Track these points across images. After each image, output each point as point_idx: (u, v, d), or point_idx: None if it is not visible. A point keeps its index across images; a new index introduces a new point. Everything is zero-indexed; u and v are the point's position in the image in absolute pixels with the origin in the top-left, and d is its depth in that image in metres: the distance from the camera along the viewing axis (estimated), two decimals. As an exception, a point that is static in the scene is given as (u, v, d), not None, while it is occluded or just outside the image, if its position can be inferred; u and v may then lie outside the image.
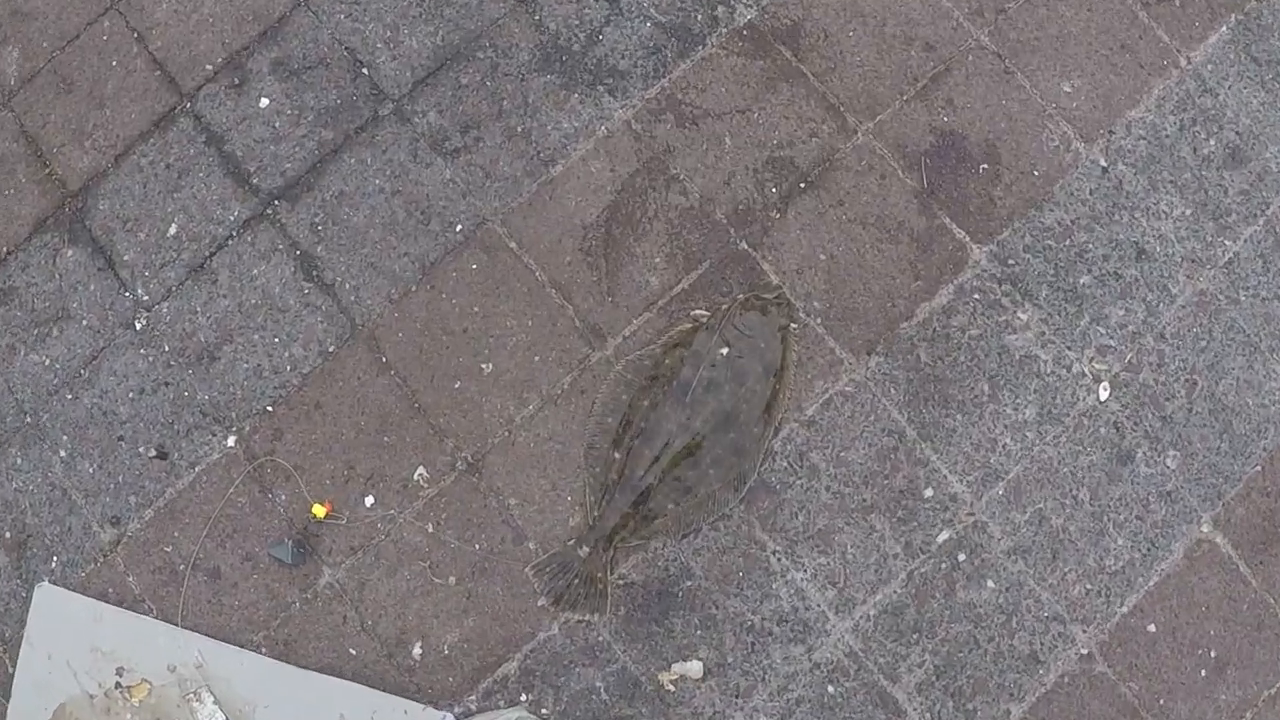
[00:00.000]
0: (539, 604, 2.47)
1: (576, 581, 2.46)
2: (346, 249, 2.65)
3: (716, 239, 2.66)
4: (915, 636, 2.51)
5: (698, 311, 2.59)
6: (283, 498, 2.53)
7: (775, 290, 2.59)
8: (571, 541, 2.48)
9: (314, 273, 2.64)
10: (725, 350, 2.51)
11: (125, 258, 2.67)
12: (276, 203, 2.67)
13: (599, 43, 2.75)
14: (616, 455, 2.48)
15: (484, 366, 2.59)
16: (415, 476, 2.54)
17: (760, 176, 2.68)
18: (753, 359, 2.53)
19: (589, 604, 2.46)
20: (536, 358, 2.59)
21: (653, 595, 2.50)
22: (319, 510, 2.48)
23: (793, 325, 2.58)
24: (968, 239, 2.65)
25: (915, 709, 2.47)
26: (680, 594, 2.50)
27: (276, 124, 2.71)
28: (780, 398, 2.56)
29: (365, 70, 2.74)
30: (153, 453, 2.57)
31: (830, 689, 2.48)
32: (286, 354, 2.61)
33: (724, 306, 2.56)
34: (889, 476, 2.55)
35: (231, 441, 2.57)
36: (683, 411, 2.48)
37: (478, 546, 2.50)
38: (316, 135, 2.70)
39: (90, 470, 2.58)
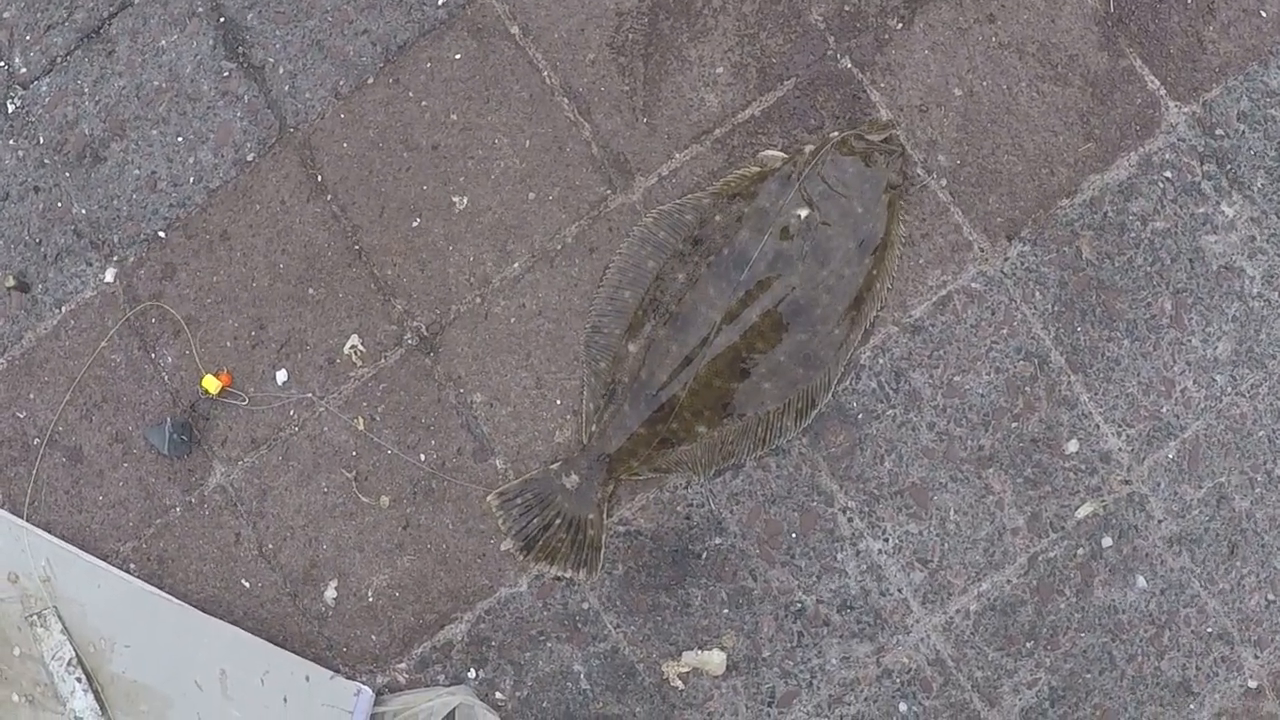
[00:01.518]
0: (502, 547, 1.34)
1: (558, 522, 1.30)
2: (286, 19, 1.44)
3: (808, 49, 1.41)
4: (1029, 646, 1.35)
5: (770, 152, 1.36)
6: (169, 359, 1.40)
7: (886, 131, 1.35)
8: (556, 464, 1.31)
9: (239, 49, 1.44)
10: (805, 212, 1.30)
11: (4, 14, 1.51)
12: (201, -50, 1.48)
13: None
14: (631, 348, 1.30)
15: (456, 200, 1.39)
16: (346, 349, 1.37)
17: (881, -31, 1.44)
18: (844, 228, 1.31)
19: (573, 556, 1.31)
20: (532, 194, 1.38)
21: (664, 553, 1.35)
22: (211, 384, 1.34)
23: (905, 185, 1.36)
24: (1163, 92, 1.41)
25: (1017, 745, 1.34)
26: (704, 555, 1.35)
27: None
28: (877, 288, 1.35)
29: None
30: (10, 282, 1.43)
31: (903, 707, 1.34)
32: (191, 159, 1.43)
33: (809, 148, 1.34)
34: (1019, 418, 1.37)
35: (110, 276, 1.42)
36: (734, 294, 1.28)
37: (423, 457, 1.35)
38: None
39: (-71, 295, 1.47)
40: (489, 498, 1.31)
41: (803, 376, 1.32)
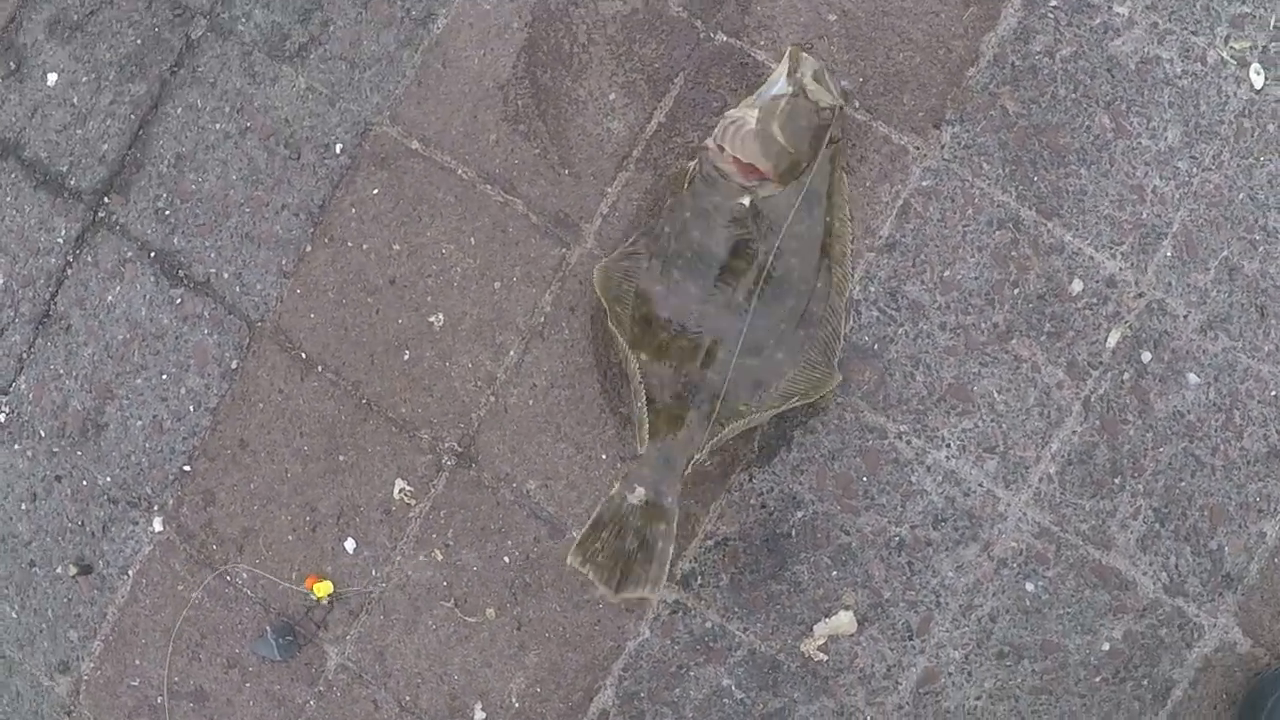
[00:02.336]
0: (599, 595, 1.37)
1: (633, 545, 1.29)
2: (208, 227, 1.49)
3: (682, 40, 1.45)
4: (1118, 481, 1.39)
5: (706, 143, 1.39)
6: (243, 575, 1.46)
7: (818, 94, 1.36)
8: (615, 488, 1.31)
9: (179, 273, 1.49)
10: (746, 199, 1.34)
11: (-42, 334, 1.56)
12: (106, 200, 1.51)
13: None
14: (655, 367, 1.32)
15: (433, 320, 1.44)
16: (396, 494, 1.42)
17: (713, -61, 1.47)
18: (788, 193, 1.34)
19: (651, 574, 1.29)
20: (497, 283, 1.43)
21: (757, 546, 1.39)
22: (321, 588, 1.39)
23: (837, 135, 1.39)
24: (1016, -70, 1.44)
25: (1146, 574, 1.37)
26: (793, 532, 1.39)
27: (74, 99, 1.54)
28: (838, 229, 1.38)
29: (159, -12, 1.55)
30: (73, 569, 1.49)
31: (1029, 586, 1.38)
32: (183, 390, 1.48)
33: (728, 123, 1.36)
34: (1018, 282, 1.40)
35: (159, 525, 1.47)
36: (720, 290, 1.32)
37: (507, 559, 1.41)
38: (126, 95, 1.52)
39: (12, 615, 1.51)
40: (569, 560, 1.32)
41: (807, 336, 1.36)
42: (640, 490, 1.30)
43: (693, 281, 1.34)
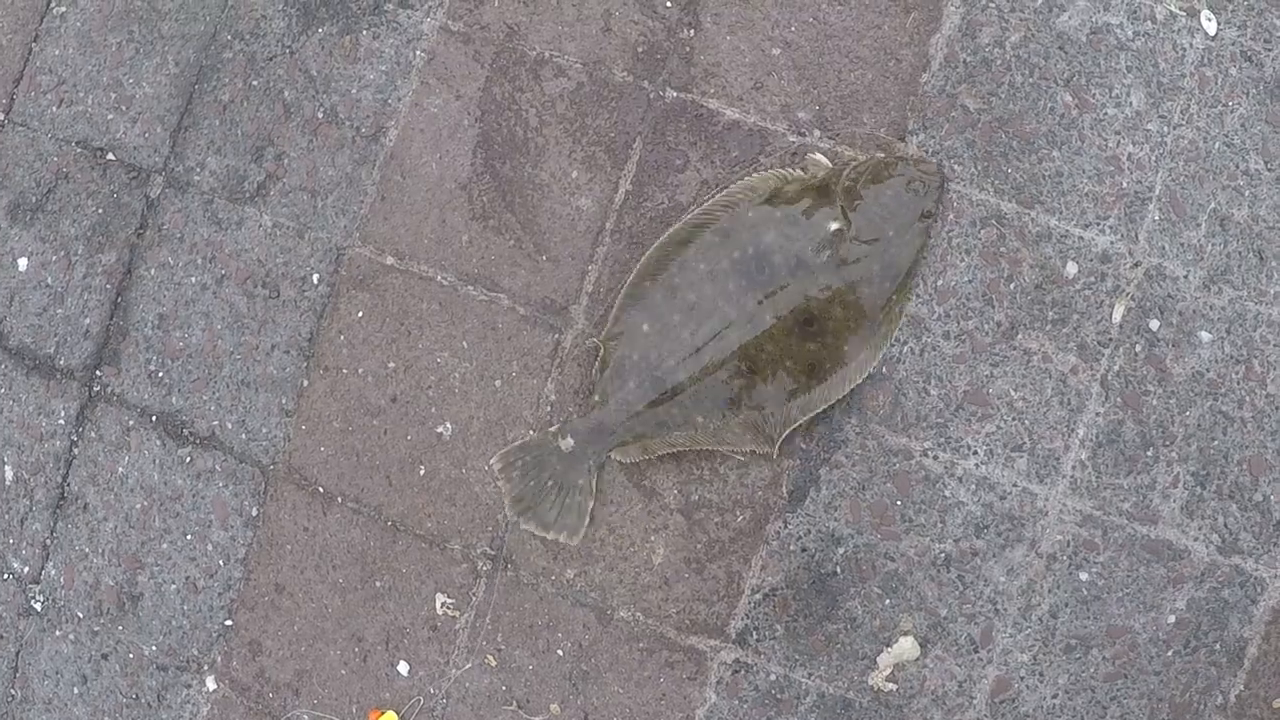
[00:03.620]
0: (504, 506, 1.38)
1: (550, 484, 1.36)
2: (203, 382, 1.49)
3: (633, 105, 1.44)
4: (1151, 454, 1.37)
5: (816, 156, 1.38)
6: (304, 718, 1.45)
7: (926, 163, 1.36)
8: (554, 428, 1.37)
9: (184, 431, 1.49)
10: (835, 225, 1.33)
11: (-21, 530, 1.57)
12: (99, 373, 1.51)
13: (358, -46, 1.52)
14: (645, 328, 1.33)
15: (441, 431, 1.43)
16: (439, 609, 1.41)
17: (643, -2, 1.47)
18: (872, 249, 1.33)
19: (561, 520, 1.36)
20: (498, 381, 1.42)
21: (806, 590, 1.38)
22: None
23: (938, 214, 1.38)
24: (939, -73, 1.43)
25: (1197, 539, 1.36)
26: (839, 569, 1.38)
27: (48, 279, 1.55)
28: (895, 315, 1.37)
29: (111, 155, 1.54)
30: (137, 736, 1.50)
31: (1084, 575, 1.37)
32: (209, 546, 1.48)
33: (853, 165, 1.36)
34: (1012, 278, 1.39)
35: (212, 684, 1.47)
36: (752, 293, 1.32)
37: (560, 652, 1.40)
38: (98, 265, 1.53)
39: (83, 794, 1.52)
40: (491, 461, 1.38)
41: (803, 385, 1.35)
42: (570, 441, 1.36)
43: (735, 277, 1.32)
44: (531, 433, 1.41)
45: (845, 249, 1.34)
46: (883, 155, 1.38)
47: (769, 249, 1.32)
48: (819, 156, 1.40)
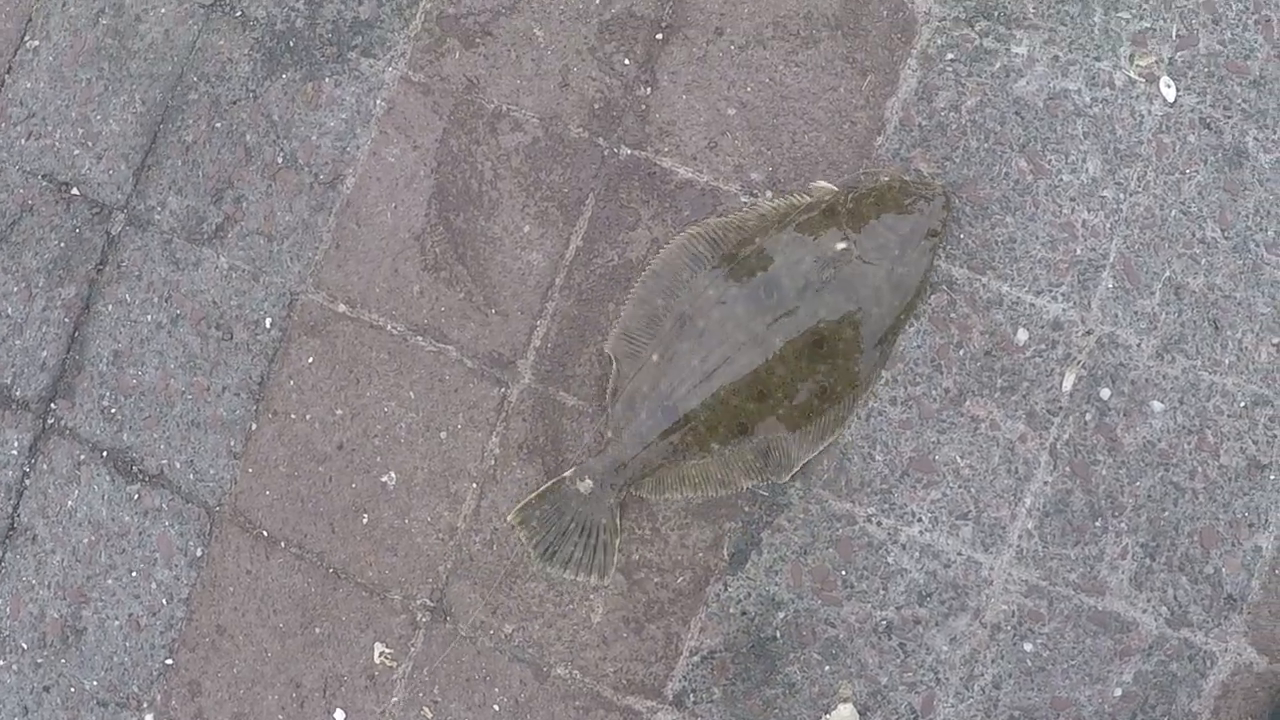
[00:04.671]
0: (527, 559, 1.38)
1: (573, 527, 1.34)
2: (154, 420, 1.50)
3: (587, 161, 1.44)
4: (1100, 524, 1.36)
5: (821, 183, 1.39)
6: (241, 760, 1.45)
7: (930, 184, 1.36)
8: (570, 473, 1.35)
9: (133, 468, 1.49)
10: (842, 245, 1.32)
11: (-68, 559, 1.57)
12: (53, 405, 1.52)
13: (324, 2, 1.55)
14: (654, 357, 1.33)
15: (386, 479, 1.43)
16: (376, 659, 1.40)
17: (602, 53, 1.46)
18: (878, 268, 1.33)
19: (588, 560, 1.34)
20: (443, 433, 1.42)
21: (745, 653, 1.37)
22: None
23: (944, 233, 1.38)
24: (901, -10, 1.44)
25: (1146, 611, 1.34)
26: (779, 634, 1.37)
27: (8, 310, 1.56)
28: (897, 331, 1.37)
29: (75, 190, 1.55)
30: (76, 775, 1.49)
31: (1029, 646, 1.35)
32: (153, 585, 1.48)
33: (858, 186, 1.37)
34: (962, 344, 1.38)
35: (150, 720, 1.49)
36: (761, 317, 1.31)
37: (496, 707, 1.39)
38: (58, 299, 1.54)
39: (23, 828, 1.52)
40: (509, 517, 1.36)
41: (816, 408, 1.35)
42: (588, 482, 1.34)
43: (744, 302, 1.32)
44: (473, 484, 1.41)
45: (852, 269, 1.34)
46: (887, 178, 1.38)
47: (777, 272, 1.32)
48: (824, 183, 1.40)
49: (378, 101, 1.48)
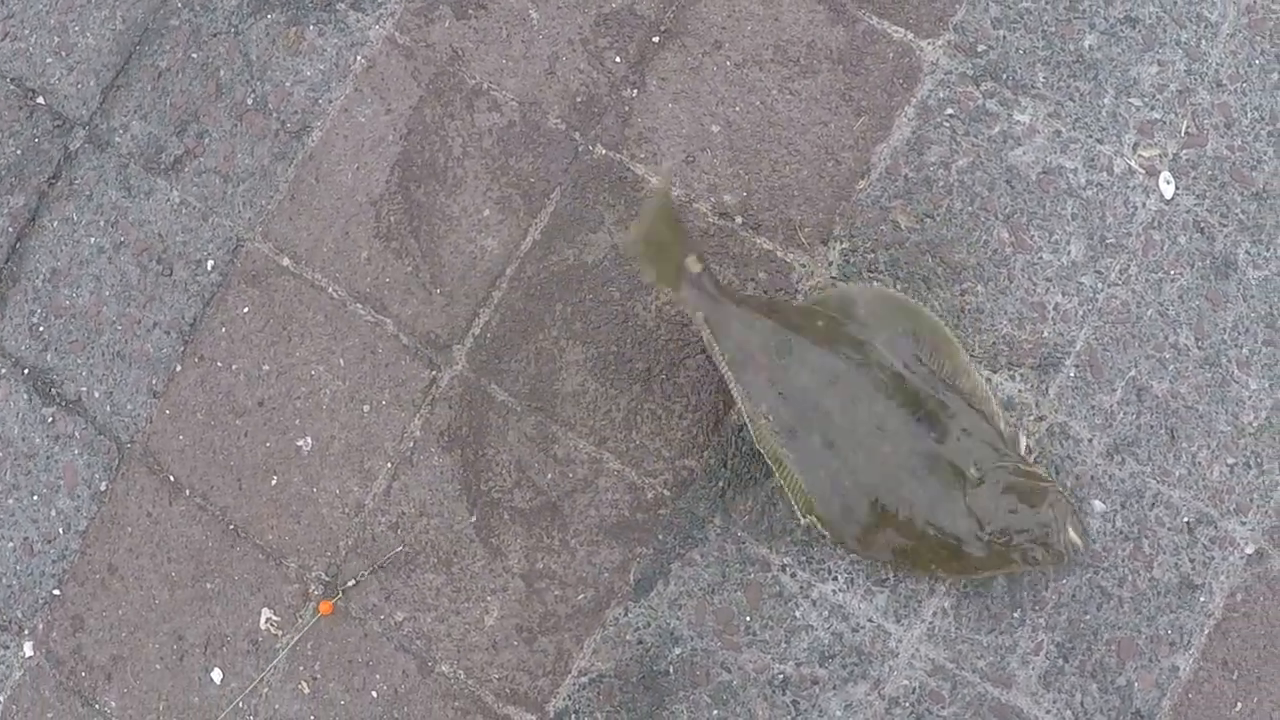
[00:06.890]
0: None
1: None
2: (81, 344, 1.45)
3: (559, 154, 1.40)
4: (1018, 615, 1.32)
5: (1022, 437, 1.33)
6: (112, 704, 1.41)
7: (1068, 542, 1.29)
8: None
9: (52, 390, 1.45)
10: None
11: None
12: (-16, 312, 1.50)
13: (328, -54, 1.49)
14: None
15: (301, 444, 1.39)
16: (263, 624, 1.37)
17: (594, 47, 1.41)
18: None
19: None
20: (366, 406, 1.38)
21: (634, 683, 1.33)
22: (327, 606, 1.33)
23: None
24: (911, 36, 1.38)
25: (1050, 712, 1.30)
26: (672, 669, 1.33)
27: (-43, 207, 1.53)
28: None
29: (41, 99, 1.50)
30: (-53, 688, 1.46)
31: (922, 726, 1.32)
32: (53, 511, 1.45)
33: (1027, 469, 1.29)
34: (910, 405, 1.34)
35: (29, 649, 1.43)
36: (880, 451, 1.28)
37: (374, 694, 1.35)
38: (5, 207, 1.49)
39: (-114, 730, 1.49)
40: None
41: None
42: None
43: (867, 467, 1.26)
44: (388, 464, 1.36)
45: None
46: (1055, 495, 1.28)
47: (854, 420, 1.27)
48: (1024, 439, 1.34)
49: (358, 58, 1.43)
